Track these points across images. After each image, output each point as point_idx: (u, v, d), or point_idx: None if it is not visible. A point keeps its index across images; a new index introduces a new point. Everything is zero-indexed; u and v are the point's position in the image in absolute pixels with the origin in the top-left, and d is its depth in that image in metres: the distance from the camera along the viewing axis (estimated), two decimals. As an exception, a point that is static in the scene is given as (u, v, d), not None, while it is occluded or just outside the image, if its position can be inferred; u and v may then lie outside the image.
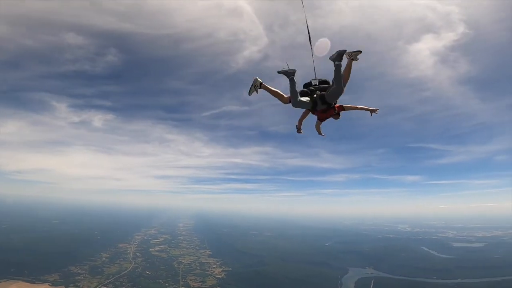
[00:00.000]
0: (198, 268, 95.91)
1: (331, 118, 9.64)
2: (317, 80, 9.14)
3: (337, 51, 7.70)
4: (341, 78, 7.95)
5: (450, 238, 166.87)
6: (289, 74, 8.07)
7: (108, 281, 77.36)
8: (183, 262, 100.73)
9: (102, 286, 74.22)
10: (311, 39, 8.47)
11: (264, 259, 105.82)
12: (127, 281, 78.07)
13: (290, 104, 8.55)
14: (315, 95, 8.67)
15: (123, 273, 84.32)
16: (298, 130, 10.43)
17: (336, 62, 7.72)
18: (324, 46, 8.61)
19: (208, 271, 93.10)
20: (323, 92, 8.63)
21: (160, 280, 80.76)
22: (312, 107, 8.89)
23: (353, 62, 8.29)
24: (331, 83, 8.46)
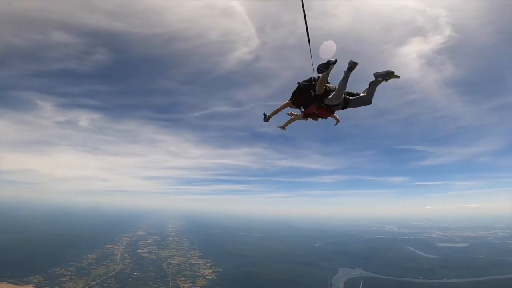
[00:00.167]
0: (188, 269, 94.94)
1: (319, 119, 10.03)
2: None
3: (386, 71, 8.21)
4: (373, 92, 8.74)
5: (435, 238, 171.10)
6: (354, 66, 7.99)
7: (95, 282, 75.66)
8: (173, 263, 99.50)
9: (88, 287, 72.59)
10: (310, 40, 8.58)
11: (254, 260, 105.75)
12: (115, 283, 76.57)
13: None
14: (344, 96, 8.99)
15: (110, 274, 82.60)
16: (283, 127, 10.62)
17: (379, 79, 8.33)
18: (329, 49, 8.68)
19: (198, 272, 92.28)
20: (351, 97, 9.05)
21: (149, 282, 79.41)
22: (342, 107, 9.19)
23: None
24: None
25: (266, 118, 9.82)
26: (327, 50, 8.66)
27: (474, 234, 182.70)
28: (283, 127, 10.58)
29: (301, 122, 10.48)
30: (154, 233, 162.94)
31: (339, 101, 8.98)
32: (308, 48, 8.72)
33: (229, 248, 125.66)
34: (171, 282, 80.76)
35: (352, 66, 7.92)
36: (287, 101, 9.54)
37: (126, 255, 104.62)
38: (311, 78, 9.19)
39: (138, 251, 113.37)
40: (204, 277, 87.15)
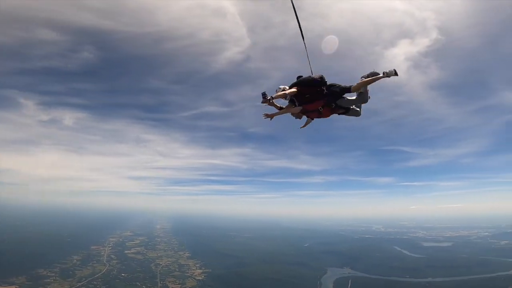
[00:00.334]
0: (177, 270, 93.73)
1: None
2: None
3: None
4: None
5: (420, 238, 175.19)
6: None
7: (81, 283, 73.71)
8: (161, 264, 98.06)
9: (74, 289, 70.65)
10: (304, 38, 8.71)
11: (244, 260, 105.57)
12: (101, 284, 74.75)
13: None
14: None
15: (96, 275, 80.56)
16: (270, 116, 9.68)
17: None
18: (332, 44, 8.85)
19: (187, 273, 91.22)
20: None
21: (137, 283, 77.97)
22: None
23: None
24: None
25: (266, 100, 8.81)
26: (330, 44, 8.84)
27: (457, 233, 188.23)
28: (270, 116, 9.66)
29: (291, 122, 9.96)
30: (141, 234, 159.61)
31: (357, 104, 9.37)
32: (304, 48, 8.84)
33: (218, 248, 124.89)
34: (160, 283, 79.54)
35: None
36: (292, 89, 9.02)
37: (113, 256, 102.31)
38: (321, 75, 9.25)
39: (125, 252, 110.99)
40: (194, 278, 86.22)
